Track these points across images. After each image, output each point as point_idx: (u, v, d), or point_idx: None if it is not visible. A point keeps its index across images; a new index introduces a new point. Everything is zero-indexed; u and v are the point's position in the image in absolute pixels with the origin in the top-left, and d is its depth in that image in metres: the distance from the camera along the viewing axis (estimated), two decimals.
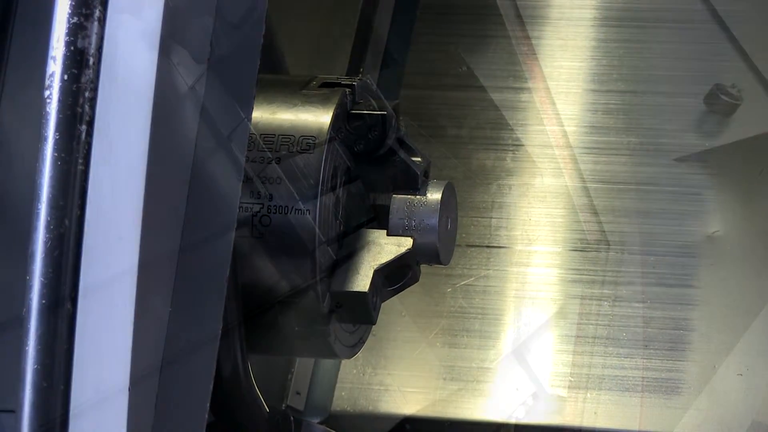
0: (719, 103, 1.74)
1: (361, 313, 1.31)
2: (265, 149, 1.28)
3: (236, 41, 1.10)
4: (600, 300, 1.81)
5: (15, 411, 0.88)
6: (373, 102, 1.33)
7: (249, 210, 1.27)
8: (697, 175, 1.81)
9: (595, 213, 1.82)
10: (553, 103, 1.81)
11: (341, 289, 1.30)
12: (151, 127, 1.02)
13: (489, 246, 1.74)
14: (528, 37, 1.78)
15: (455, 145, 1.77)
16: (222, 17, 1.09)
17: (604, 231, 1.81)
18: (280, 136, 1.29)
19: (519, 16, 1.77)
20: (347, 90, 1.33)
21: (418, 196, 1.34)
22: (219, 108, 1.16)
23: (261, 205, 1.27)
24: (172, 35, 1.09)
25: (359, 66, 1.55)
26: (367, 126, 1.32)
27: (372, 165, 1.34)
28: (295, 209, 1.26)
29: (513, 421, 1.91)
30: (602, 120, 1.82)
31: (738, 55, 1.74)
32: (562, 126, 1.82)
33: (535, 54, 1.79)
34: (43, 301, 0.88)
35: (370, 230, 1.34)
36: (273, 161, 1.27)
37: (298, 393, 1.48)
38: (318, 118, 1.30)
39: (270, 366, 1.51)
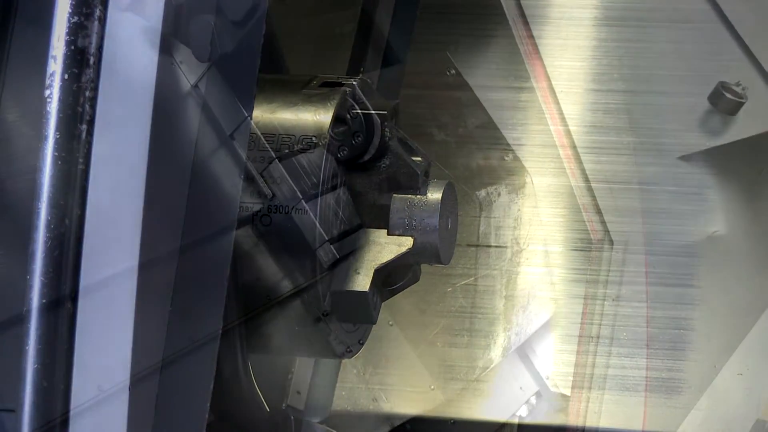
0: (723, 101, 1.73)
1: (361, 313, 1.31)
2: (266, 148, 1.28)
3: (237, 40, 1.10)
4: (603, 300, 1.81)
5: (15, 410, 0.88)
6: (365, 105, 1.31)
7: (249, 209, 1.27)
8: (699, 175, 1.80)
9: (598, 212, 1.82)
10: (557, 102, 1.81)
11: (341, 288, 1.30)
12: (152, 127, 1.02)
13: (489, 246, 1.73)
14: (531, 36, 1.78)
15: (452, 145, 1.77)
16: (223, 16, 1.09)
17: (607, 231, 1.81)
18: (281, 136, 1.29)
19: (522, 15, 1.77)
20: (347, 90, 1.32)
21: (418, 196, 1.33)
22: (220, 107, 1.16)
23: (261, 205, 1.27)
24: (174, 34, 1.09)
25: (359, 66, 1.54)
26: (351, 132, 1.30)
27: (364, 170, 1.33)
28: (296, 208, 1.26)
29: (516, 420, 1.91)
30: (603, 119, 1.81)
31: (742, 53, 1.73)
32: (566, 125, 1.82)
33: (538, 53, 1.79)
34: (43, 301, 0.88)
35: (371, 230, 1.34)
36: (274, 160, 1.27)
37: (298, 393, 1.48)
38: (318, 117, 1.30)
39: (270, 366, 1.50)
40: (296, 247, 1.27)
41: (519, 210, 1.67)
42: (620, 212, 1.81)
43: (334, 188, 1.30)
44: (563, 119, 1.81)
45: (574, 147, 1.82)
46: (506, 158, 1.62)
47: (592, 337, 1.80)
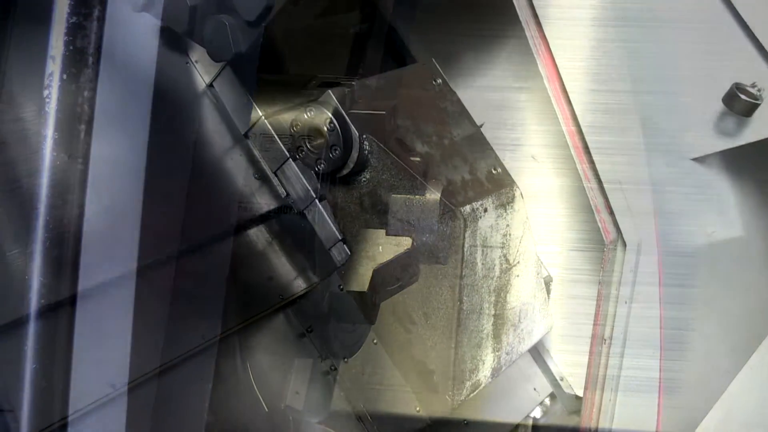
0: (738, 103, 1.71)
1: (359, 314, 1.30)
2: (265, 148, 1.28)
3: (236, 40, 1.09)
4: (616, 301, 1.80)
5: (15, 411, 0.88)
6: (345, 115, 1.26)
7: (249, 209, 1.27)
8: (713, 177, 1.79)
9: (611, 213, 1.81)
10: (569, 102, 1.80)
11: (341, 288, 1.29)
12: (151, 127, 1.02)
13: (489, 247, 1.72)
14: (544, 36, 1.77)
15: (436, 158, 1.76)
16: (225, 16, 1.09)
17: (620, 232, 1.80)
18: (280, 136, 1.29)
19: (534, 15, 1.76)
20: (346, 90, 1.32)
21: (417, 197, 1.33)
22: (218, 107, 1.16)
23: (261, 205, 1.27)
24: (172, 34, 1.09)
25: (359, 66, 1.54)
26: (328, 144, 1.22)
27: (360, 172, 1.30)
28: (296, 210, 1.26)
29: (530, 422, 1.91)
30: (615, 120, 1.80)
31: (758, 53, 1.71)
32: (578, 126, 1.81)
33: (550, 53, 1.78)
34: (43, 302, 0.88)
35: (370, 230, 1.33)
36: (273, 160, 1.27)
37: (297, 392, 1.47)
38: (317, 117, 1.29)
39: (270, 366, 1.50)
40: (297, 248, 1.27)
41: (508, 225, 1.66)
42: (633, 214, 1.80)
43: (333, 189, 1.29)
44: (575, 120, 1.80)
45: (586, 148, 1.81)
46: (494, 171, 1.61)
47: (605, 338, 1.80)
